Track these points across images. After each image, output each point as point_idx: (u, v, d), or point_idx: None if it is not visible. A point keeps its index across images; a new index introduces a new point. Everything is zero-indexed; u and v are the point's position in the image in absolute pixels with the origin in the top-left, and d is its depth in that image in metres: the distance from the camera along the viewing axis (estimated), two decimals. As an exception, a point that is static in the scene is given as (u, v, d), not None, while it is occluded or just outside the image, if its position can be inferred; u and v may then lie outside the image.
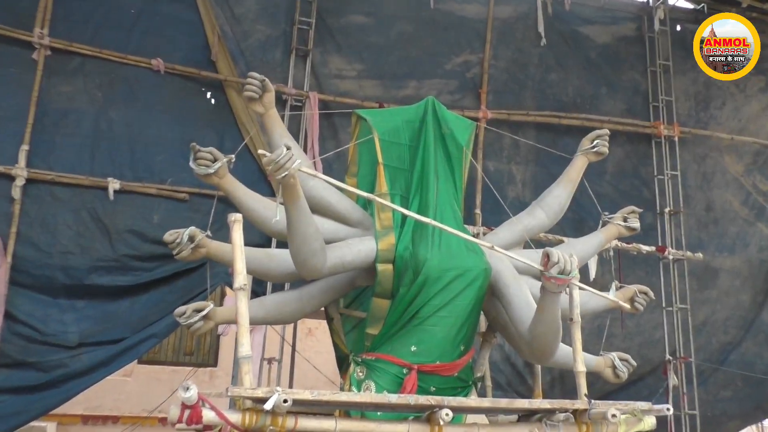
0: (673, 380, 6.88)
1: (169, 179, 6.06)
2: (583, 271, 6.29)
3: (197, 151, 3.54)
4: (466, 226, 6.41)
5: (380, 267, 3.70)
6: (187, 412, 2.88)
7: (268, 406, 2.83)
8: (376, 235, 3.76)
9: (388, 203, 3.65)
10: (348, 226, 3.88)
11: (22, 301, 5.56)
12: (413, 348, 3.67)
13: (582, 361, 3.44)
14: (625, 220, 4.38)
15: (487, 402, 3.40)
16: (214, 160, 3.55)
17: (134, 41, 6.20)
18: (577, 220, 6.69)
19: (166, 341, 8.56)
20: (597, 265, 6.56)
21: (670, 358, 6.96)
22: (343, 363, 3.95)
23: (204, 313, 3.56)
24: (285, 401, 2.81)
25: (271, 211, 3.60)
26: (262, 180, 5.98)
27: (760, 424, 8.46)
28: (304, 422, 3.03)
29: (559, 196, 4.28)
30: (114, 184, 5.85)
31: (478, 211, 6.75)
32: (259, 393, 2.89)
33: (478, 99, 7.07)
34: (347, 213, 3.91)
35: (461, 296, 3.71)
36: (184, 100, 6.29)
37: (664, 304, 7.10)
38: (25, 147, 5.71)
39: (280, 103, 6.46)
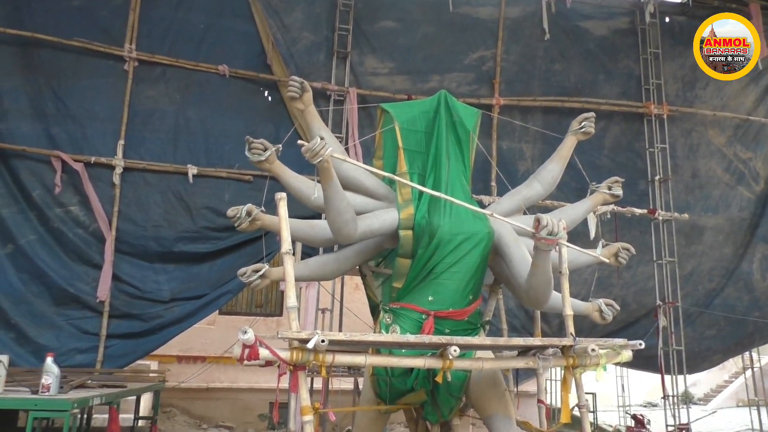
0: (662, 322, 6.87)
1: (237, 164, 6.27)
2: (584, 231, 6.31)
3: (251, 142, 3.69)
4: (483, 196, 6.54)
5: (402, 233, 3.81)
6: (246, 351, 3.10)
7: (310, 345, 2.99)
8: (398, 206, 3.88)
9: (407, 181, 3.76)
10: (375, 200, 4.00)
11: (125, 265, 5.90)
12: (430, 298, 3.78)
13: (570, 306, 3.52)
14: (609, 188, 4.38)
15: (488, 340, 3.50)
16: (266, 149, 3.71)
17: (203, 51, 6.39)
18: (578, 188, 6.68)
19: (240, 296, 8.87)
20: (597, 226, 6.55)
21: (661, 303, 6.95)
22: (375, 311, 4.10)
23: (260, 273, 3.73)
24: (323, 341, 2.98)
25: (311, 190, 3.75)
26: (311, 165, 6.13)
27: (741, 357, 8.34)
28: (340, 358, 3.20)
29: (552, 170, 4.31)
30: (192, 170, 6.10)
31: (493, 183, 6.79)
32: (303, 335, 3.05)
33: (492, 88, 7.06)
34: (374, 189, 4.02)
35: (469, 255, 3.80)
36: (246, 98, 6.46)
37: (655, 258, 7.07)
38: (121, 142, 6.00)
39: (325, 98, 6.60)
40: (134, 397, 5.75)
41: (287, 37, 6.60)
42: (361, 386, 5.64)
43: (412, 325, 3.77)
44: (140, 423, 5.95)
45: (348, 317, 6.67)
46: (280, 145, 3.79)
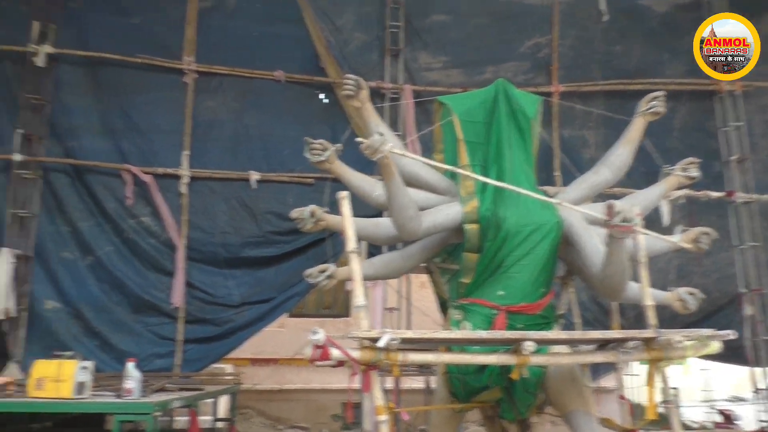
0: (749, 310, 6.44)
1: (297, 168, 6.28)
2: (656, 218, 5.99)
3: (310, 143, 3.68)
4: (547, 187, 6.31)
5: (467, 226, 3.71)
6: (318, 352, 3.07)
7: (380, 344, 2.95)
8: (462, 200, 3.78)
9: (469, 173, 3.65)
10: (437, 195, 3.91)
11: (196, 272, 6.01)
12: (500, 292, 3.67)
13: (650, 296, 3.33)
14: (684, 170, 4.12)
15: (563, 334, 3.35)
16: (325, 149, 3.68)
17: (258, 58, 6.41)
18: (648, 173, 6.35)
19: (308, 298, 8.91)
20: (670, 211, 6.21)
21: (745, 290, 6.52)
22: (444, 308, 4.02)
23: (327, 273, 3.72)
24: (393, 340, 2.92)
25: (372, 187, 3.70)
26: (372, 162, 6.09)
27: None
28: (411, 356, 3.13)
29: (620, 155, 4.10)
30: (255, 176, 6.15)
31: (557, 173, 6.55)
32: (373, 334, 3.02)
33: (549, 76, 6.79)
34: (436, 183, 3.93)
35: (539, 247, 3.67)
36: (302, 102, 6.45)
37: (736, 243, 6.64)
38: (186, 152, 6.12)
39: (379, 96, 6.52)
40: (212, 400, 5.84)
41: (339, 39, 6.57)
42: (432, 385, 5.56)
43: (483, 321, 3.66)
44: (219, 424, 6.05)
45: (415, 316, 6.58)
46: (340, 145, 3.76)
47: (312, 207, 3.76)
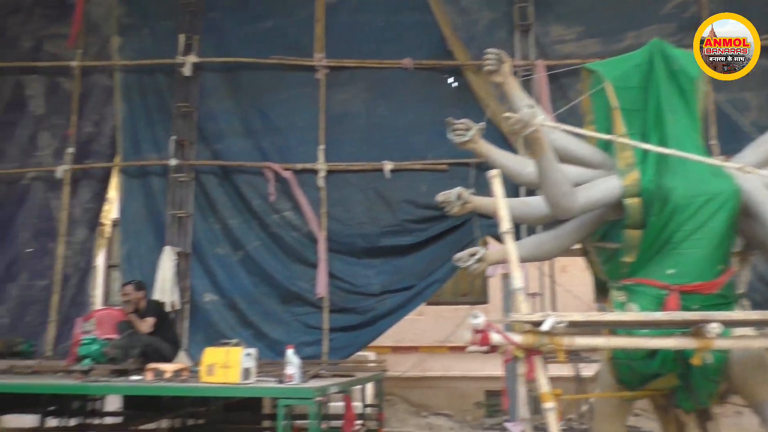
0: None
1: (429, 155, 6.21)
2: None
3: (452, 124, 3.56)
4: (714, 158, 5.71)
5: (627, 201, 3.41)
6: (477, 336, 2.95)
7: (545, 327, 2.77)
8: (620, 172, 3.47)
9: (629, 141, 3.34)
10: (591, 169, 3.63)
11: (337, 263, 6.13)
12: (670, 271, 3.33)
13: None
14: None
15: (755, 314, 2.96)
16: (468, 129, 3.54)
17: (385, 49, 6.40)
18: None
19: (445, 286, 8.87)
20: None
21: None
22: (602, 290, 3.73)
23: (477, 256, 3.59)
24: (559, 323, 2.74)
25: (521, 165, 3.52)
26: (504, 145, 5.86)
27: None
28: (578, 340, 2.93)
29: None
30: (388, 166, 6.15)
31: (713, 141, 5.91)
32: (536, 317, 2.85)
33: (699, 35, 6.15)
34: (589, 157, 3.66)
35: (714, 219, 3.28)
36: (431, 88, 6.36)
37: None
38: (321, 147, 6.25)
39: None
40: (359, 387, 5.94)
41: (466, 20, 6.38)
42: (582, 372, 5.26)
43: (651, 302, 3.35)
44: (367, 411, 6.15)
45: (559, 301, 6.28)
46: (484, 123, 3.60)
47: (458, 189, 3.65)
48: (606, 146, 3.67)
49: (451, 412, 8.12)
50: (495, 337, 2.92)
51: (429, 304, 8.63)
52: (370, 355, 7.37)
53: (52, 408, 5.60)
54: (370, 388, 6.32)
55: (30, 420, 5.79)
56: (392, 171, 6.17)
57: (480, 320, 2.86)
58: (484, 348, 3.04)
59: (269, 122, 6.43)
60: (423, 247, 6.12)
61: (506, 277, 5.85)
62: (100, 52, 6.62)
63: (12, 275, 6.32)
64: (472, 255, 3.60)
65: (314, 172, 6.23)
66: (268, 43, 6.47)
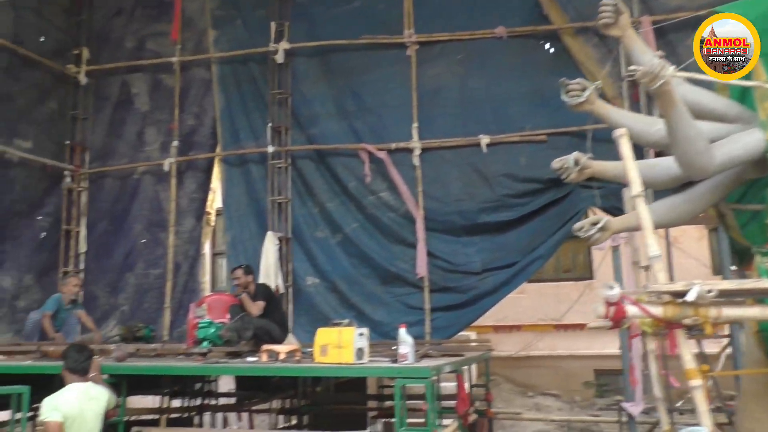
0: None
1: (527, 126, 5.93)
2: None
3: (566, 84, 3.31)
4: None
5: (772, 156, 3.03)
6: (611, 309, 2.72)
7: (690, 297, 2.51)
8: (763, 125, 3.09)
9: (775, 89, 2.96)
10: (727, 123, 3.27)
11: (436, 241, 6.00)
12: (825, 231, 2.95)
13: None
14: None
15: None
16: (584, 90, 3.28)
17: (476, 19, 6.15)
18: None
19: (547, 263, 8.59)
20: None
21: None
22: (743, 256, 3.37)
23: (599, 225, 3.33)
24: (709, 291, 2.46)
25: (646, 124, 3.22)
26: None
27: None
28: (728, 311, 2.63)
29: None
30: (485, 140, 5.93)
31: None
32: (678, 287, 2.59)
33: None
34: (724, 110, 3.29)
35: None
36: (527, 56, 6.06)
37: None
38: (415, 125, 6.11)
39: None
40: (465, 366, 5.81)
41: (561, -20, 6.00)
42: (706, 349, 4.85)
43: (803, 268, 2.97)
44: (474, 391, 6.02)
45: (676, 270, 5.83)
46: (600, 82, 3.32)
47: (576, 154, 3.39)
48: (742, 98, 3.29)
49: (558, 392, 7.83)
50: (631, 310, 2.68)
51: (530, 281, 8.34)
52: (472, 334, 7.22)
53: (173, 389, 5.86)
54: (474, 368, 6.17)
55: (151, 401, 6.10)
56: (489, 145, 5.94)
57: (615, 291, 2.63)
58: (605, 323, 2.81)
59: (361, 103, 6.36)
60: (524, 222, 5.87)
61: (615, 250, 5.49)
62: (197, 46, 6.81)
63: (129, 265, 6.66)
64: (594, 224, 3.33)
65: (409, 150, 6.11)
66: (356, 24, 6.39)
